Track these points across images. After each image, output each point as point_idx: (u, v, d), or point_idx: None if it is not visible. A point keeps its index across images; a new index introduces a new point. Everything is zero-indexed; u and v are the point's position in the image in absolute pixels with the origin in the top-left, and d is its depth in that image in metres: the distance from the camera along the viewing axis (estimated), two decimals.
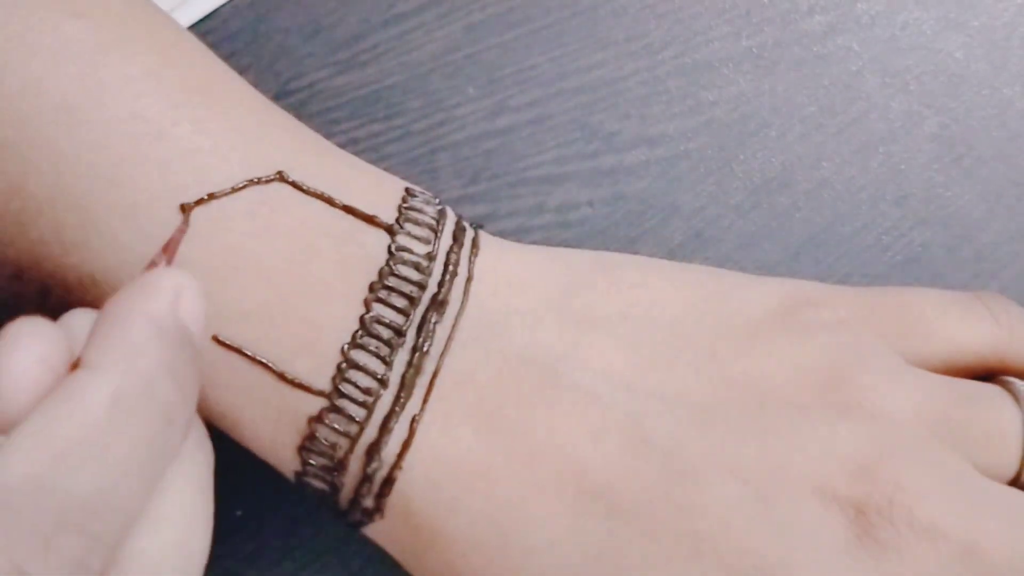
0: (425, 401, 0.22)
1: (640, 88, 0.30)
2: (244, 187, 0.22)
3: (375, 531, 0.23)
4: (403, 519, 0.22)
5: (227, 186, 0.22)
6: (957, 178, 0.29)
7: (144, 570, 0.17)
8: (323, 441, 0.22)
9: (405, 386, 0.22)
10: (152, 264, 0.20)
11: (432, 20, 0.30)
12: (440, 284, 0.23)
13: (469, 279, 0.23)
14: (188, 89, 0.22)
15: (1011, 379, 0.24)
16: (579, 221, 0.29)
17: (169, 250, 0.21)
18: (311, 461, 0.22)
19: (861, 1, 0.31)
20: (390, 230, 0.23)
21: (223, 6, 0.30)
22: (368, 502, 0.22)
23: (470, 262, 0.23)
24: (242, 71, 0.25)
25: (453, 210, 0.24)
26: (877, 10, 0.30)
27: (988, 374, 0.25)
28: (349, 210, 0.23)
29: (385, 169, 0.25)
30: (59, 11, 0.22)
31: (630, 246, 0.29)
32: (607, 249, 0.26)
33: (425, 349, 0.22)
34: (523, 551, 0.22)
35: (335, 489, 0.22)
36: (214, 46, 0.25)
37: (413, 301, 0.22)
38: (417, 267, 0.23)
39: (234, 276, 0.22)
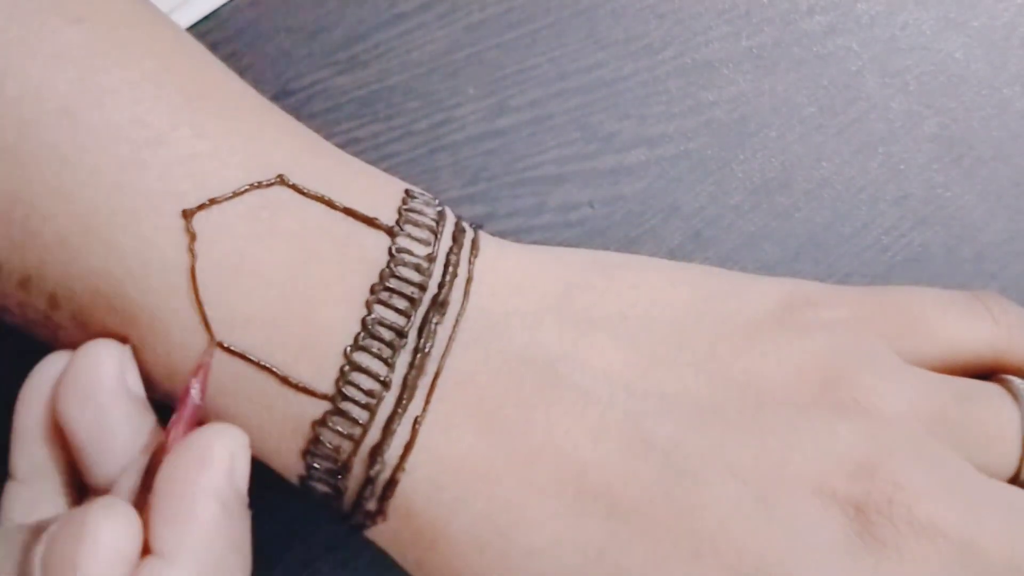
0: (427, 402, 0.22)
1: (640, 88, 0.30)
2: (245, 191, 0.22)
3: (377, 533, 0.23)
4: (405, 521, 0.22)
5: (228, 190, 0.22)
6: (957, 178, 0.29)
7: None
8: (327, 444, 0.22)
9: (407, 387, 0.22)
10: (186, 394, 0.21)
11: (432, 20, 0.30)
12: (440, 285, 0.23)
13: (469, 280, 0.23)
14: (188, 93, 0.22)
15: (1010, 378, 0.24)
16: (579, 221, 0.29)
17: (201, 377, 0.21)
18: (315, 465, 0.22)
19: (861, 1, 0.30)
20: (390, 232, 0.23)
21: (223, 6, 0.30)
22: (371, 504, 0.22)
23: (470, 263, 0.23)
24: (242, 71, 0.25)
25: (453, 210, 0.24)
26: (877, 10, 0.30)
27: (987, 374, 0.25)
28: (349, 212, 0.23)
29: (385, 169, 0.25)
30: (59, 16, 0.22)
31: (630, 246, 0.29)
32: (607, 249, 0.26)
33: (427, 350, 0.22)
34: (523, 551, 0.22)
35: (339, 492, 0.22)
36: (214, 46, 0.25)
37: (414, 302, 0.22)
38: (417, 268, 0.23)
39: (236, 281, 0.22)
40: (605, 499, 0.22)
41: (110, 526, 0.18)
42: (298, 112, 0.26)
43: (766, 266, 0.29)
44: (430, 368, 0.22)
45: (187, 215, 0.22)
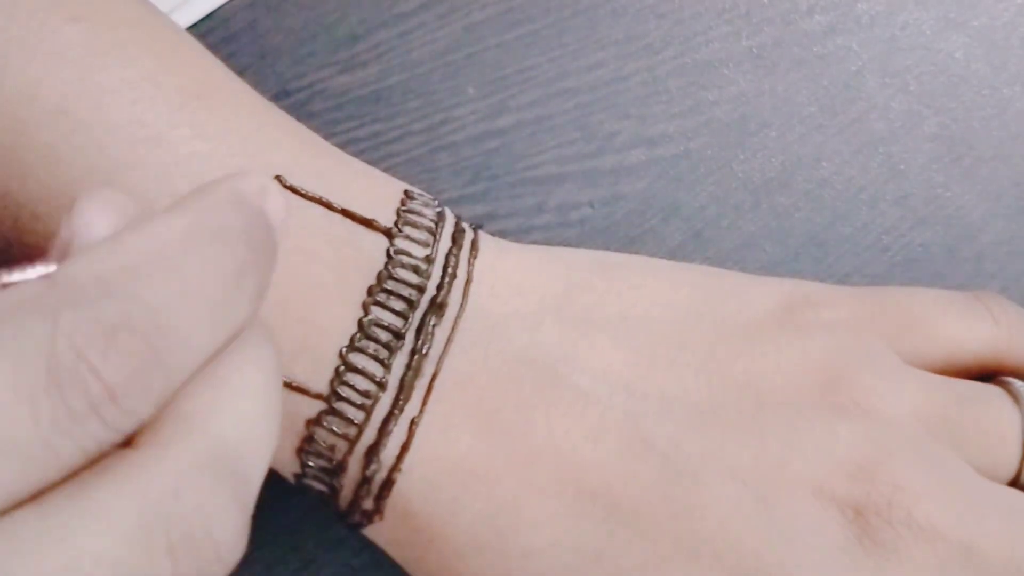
0: (424, 403, 0.22)
1: (640, 88, 0.30)
2: None
3: (375, 532, 0.23)
4: (402, 520, 0.22)
5: None
6: (957, 178, 0.29)
7: (208, 439, 0.15)
8: (321, 443, 0.22)
9: (404, 388, 0.22)
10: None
11: (432, 20, 0.30)
12: (439, 287, 0.23)
13: (468, 281, 0.23)
14: (186, 93, 0.22)
15: (1010, 379, 0.24)
16: (579, 221, 0.29)
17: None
18: (310, 463, 0.22)
19: (861, 1, 0.30)
20: (388, 233, 0.23)
21: (223, 6, 0.30)
22: (367, 504, 0.22)
23: (469, 264, 0.23)
24: (242, 71, 0.25)
25: (452, 211, 0.24)
26: (877, 10, 0.30)
27: (987, 374, 0.25)
28: (347, 214, 0.23)
29: (385, 169, 0.25)
30: (57, 15, 0.22)
31: (630, 246, 0.29)
32: (607, 249, 0.26)
33: (424, 351, 0.22)
34: (522, 552, 0.22)
35: (334, 491, 0.22)
36: (214, 46, 0.25)
37: (412, 304, 0.22)
38: (416, 270, 0.23)
39: None
40: (605, 500, 0.22)
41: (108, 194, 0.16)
42: (298, 112, 0.26)
43: (766, 266, 0.29)
44: (427, 369, 0.22)
45: None
